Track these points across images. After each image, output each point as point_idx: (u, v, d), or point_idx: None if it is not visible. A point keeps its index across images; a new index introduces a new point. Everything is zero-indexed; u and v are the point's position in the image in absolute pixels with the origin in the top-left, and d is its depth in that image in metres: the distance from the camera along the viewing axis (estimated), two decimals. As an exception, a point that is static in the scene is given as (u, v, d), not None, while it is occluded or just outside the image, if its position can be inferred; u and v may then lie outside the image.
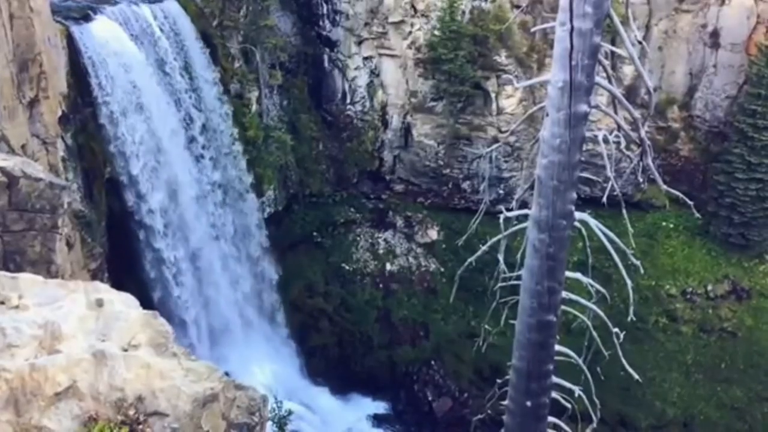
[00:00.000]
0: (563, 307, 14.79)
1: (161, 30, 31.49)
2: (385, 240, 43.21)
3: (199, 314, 34.62)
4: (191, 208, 34.08)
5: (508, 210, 15.02)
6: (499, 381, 16.58)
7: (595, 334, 15.25)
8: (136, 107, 29.76)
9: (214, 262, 35.90)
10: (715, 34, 39.79)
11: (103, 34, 27.89)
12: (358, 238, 43.16)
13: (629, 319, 15.63)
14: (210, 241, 35.57)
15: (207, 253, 35.24)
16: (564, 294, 14.43)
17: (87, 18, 27.51)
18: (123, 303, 9.37)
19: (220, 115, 35.60)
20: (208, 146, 34.87)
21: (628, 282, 15.29)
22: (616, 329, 15.08)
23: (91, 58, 27.24)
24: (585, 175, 14.44)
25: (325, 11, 41.03)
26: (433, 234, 43.41)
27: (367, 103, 42.83)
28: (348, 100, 42.89)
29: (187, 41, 33.30)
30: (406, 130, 43.03)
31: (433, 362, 40.66)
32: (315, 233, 42.70)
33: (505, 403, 15.85)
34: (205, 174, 34.97)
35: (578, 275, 15.21)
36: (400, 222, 43.82)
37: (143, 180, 30.41)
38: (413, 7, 40.06)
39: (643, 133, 13.22)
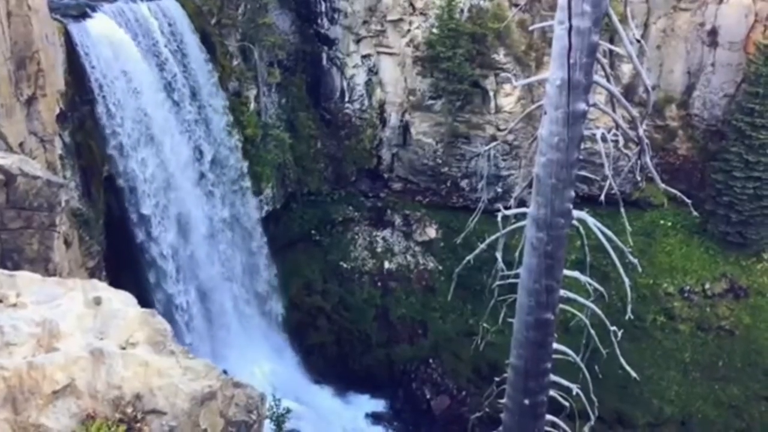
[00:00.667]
0: (561, 305, 14.81)
1: (168, 48, 29.72)
2: (383, 238, 43.21)
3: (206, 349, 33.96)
4: (203, 248, 33.06)
5: (506, 208, 15.02)
6: (497, 379, 16.62)
7: (593, 332, 15.27)
8: (147, 139, 28.18)
9: (226, 303, 35.27)
10: (713, 33, 39.80)
11: (107, 51, 26.53)
12: (357, 237, 43.16)
13: (627, 317, 15.65)
14: (221, 281, 34.89)
15: (219, 296, 34.47)
16: (562, 292, 14.45)
17: (85, 16, 27.34)
18: (121, 301, 9.37)
19: (229, 148, 34.55)
20: (217, 183, 33.72)
21: (626, 280, 15.32)
22: (613, 327, 15.11)
23: (98, 80, 26.17)
24: (583, 173, 14.46)
25: (323, 9, 40.99)
26: (432, 232, 43.43)
27: (366, 102, 42.81)
28: (346, 99, 42.86)
29: (194, 63, 31.76)
30: (405, 128, 43.02)
31: (431, 360, 40.69)
32: (313, 231, 42.69)
33: (503, 401, 15.87)
34: (216, 211, 33.83)
35: (576, 273, 15.21)
36: (398, 220, 43.83)
37: (155, 222, 29.15)
38: (412, 5, 40.04)
39: (641, 132, 13.22)
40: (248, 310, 37.35)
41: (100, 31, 26.98)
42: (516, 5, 38.46)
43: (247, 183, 36.11)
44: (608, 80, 13.06)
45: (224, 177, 34.36)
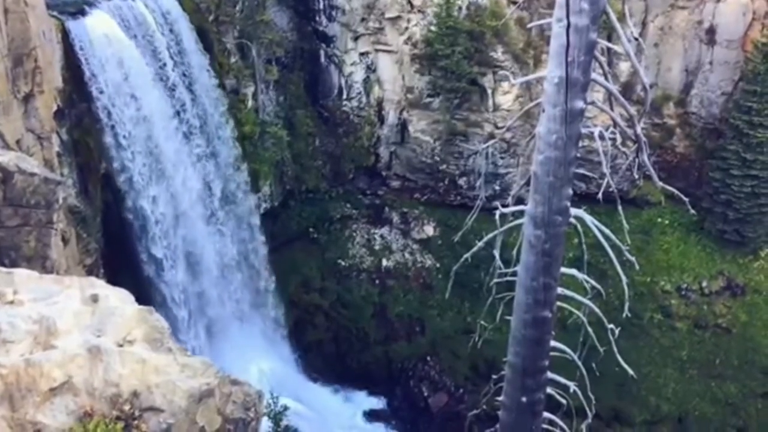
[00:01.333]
0: (559, 303, 14.83)
1: (174, 70, 28.47)
2: (381, 236, 43.21)
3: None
4: (214, 288, 32.69)
5: (504, 206, 15.03)
6: (494, 377, 16.64)
7: (590, 330, 15.29)
8: (158, 175, 27.26)
9: (235, 340, 35.16)
10: (711, 31, 39.80)
11: (114, 72, 25.54)
12: (354, 234, 43.15)
13: (624, 315, 15.71)
14: (233, 320, 34.77)
15: (231, 336, 34.29)
16: (560, 290, 14.47)
17: (83, 13, 27.19)
18: (118, 298, 9.36)
19: (238, 185, 33.96)
20: (226, 220, 33.09)
21: (624, 278, 15.37)
22: (611, 325, 15.14)
23: (107, 108, 25.51)
24: (581, 171, 14.50)
25: (321, 6, 40.94)
26: (429, 230, 43.44)
27: (364, 99, 42.79)
28: (344, 96, 42.82)
29: (200, 88, 30.72)
30: (403, 126, 43.00)
31: (428, 358, 40.73)
32: (311, 229, 42.67)
33: (501, 398, 15.90)
34: (227, 250, 33.30)
35: (574, 271, 15.24)
36: (396, 218, 43.83)
37: (167, 266, 28.45)
38: (410, 2, 40.00)
39: (638, 130, 13.24)
40: (258, 342, 37.31)
41: (99, 33, 26.39)
42: (514, 3, 38.45)
43: (256, 220, 35.84)
44: (606, 78, 13.08)
45: (232, 214, 33.93)
